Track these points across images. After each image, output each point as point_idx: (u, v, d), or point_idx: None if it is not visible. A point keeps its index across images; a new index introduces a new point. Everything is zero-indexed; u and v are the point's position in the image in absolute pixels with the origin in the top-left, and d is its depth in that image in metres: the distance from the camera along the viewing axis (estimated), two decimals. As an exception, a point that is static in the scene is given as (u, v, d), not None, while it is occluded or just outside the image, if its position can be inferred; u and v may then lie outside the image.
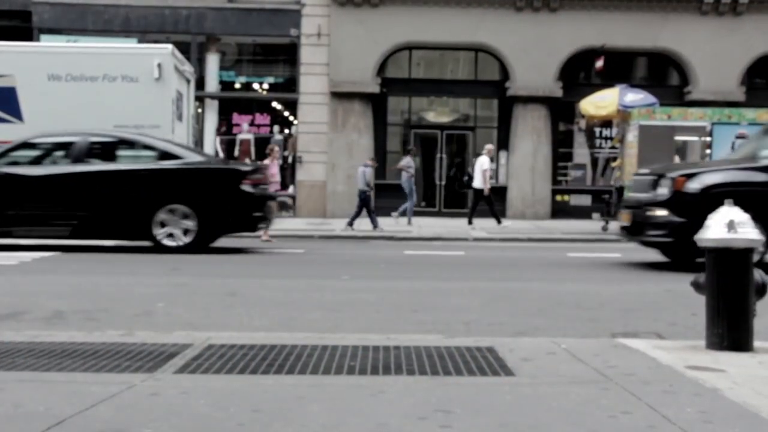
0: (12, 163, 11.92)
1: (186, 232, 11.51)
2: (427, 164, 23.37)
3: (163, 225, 11.50)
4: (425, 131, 23.84)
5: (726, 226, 4.37)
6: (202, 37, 22.70)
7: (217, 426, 2.97)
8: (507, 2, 22.28)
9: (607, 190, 19.90)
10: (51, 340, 4.61)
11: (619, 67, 22.49)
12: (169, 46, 16.14)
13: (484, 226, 18.21)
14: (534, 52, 22.09)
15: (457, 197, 23.23)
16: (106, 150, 12.31)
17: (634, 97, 18.10)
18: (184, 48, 19.28)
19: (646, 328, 5.74)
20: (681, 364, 4.04)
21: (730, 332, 4.35)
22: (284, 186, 20.63)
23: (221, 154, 23.08)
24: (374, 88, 22.40)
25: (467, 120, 24.11)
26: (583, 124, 22.91)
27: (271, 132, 23.17)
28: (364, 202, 17.49)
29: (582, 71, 23.34)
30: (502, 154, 22.88)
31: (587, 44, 22.27)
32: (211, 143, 23.08)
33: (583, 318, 6.25)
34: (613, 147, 21.34)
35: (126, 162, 12.15)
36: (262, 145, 20.73)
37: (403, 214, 19.21)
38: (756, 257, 9.40)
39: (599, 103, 18.49)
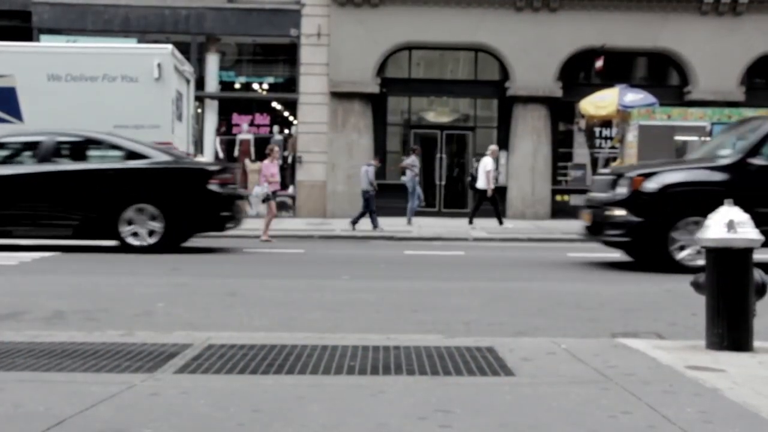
0: None
1: (152, 231, 11.53)
2: (427, 164, 23.36)
3: (129, 224, 11.51)
4: (425, 131, 23.83)
5: (726, 226, 4.37)
6: (201, 37, 22.69)
7: (217, 426, 2.97)
8: (507, 2, 22.27)
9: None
10: (51, 340, 4.61)
11: (619, 67, 22.49)
12: (169, 46, 16.14)
13: (485, 226, 18.21)
14: (534, 52, 22.09)
15: (458, 197, 23.23)
16: (73, 149, 12.36)
17: (634, 97, 18.10)
18: (183, 48, 19.28)
19: (646, 328, 5.74)
20: (681, 364, 4.05)
21: (730, 332, 4.35)
22: (284, 186, 20.62)
23: (221, 154, 23.09)
24: (374, 88, 22.40)
25: (467, 120, 24.10)
26: (583, 124, 22.91)
27: (271, 132, 23.16)
28: (367, 201, 17.51)
29: (582, 71, 23.34)
30: (502, 154, 22.85)
31: (587, 44, 22.27)
32: (211, 143, 23.08)
33: (583, 318, 6.25)
34: (613, 147, 21.34)
35: (92, 161, 12.18)
36: (262, 145, 20.72)
37: (413, 214, 19.28)
38: None
39: (599, 103, 18.49)
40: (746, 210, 10.03)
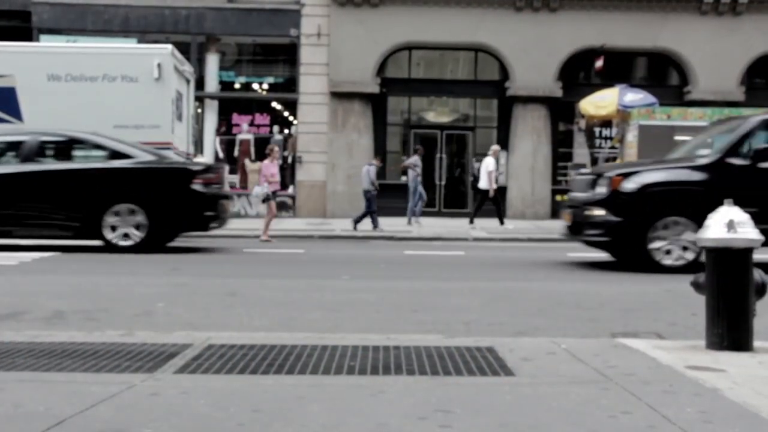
0: None
1: (136, 231, 11.53)
2: (427, 164, 23.35)
3: (113, 224, 11.52)
4: (425, 131, 23.84)
5: (726, 225, 4.37)
6: (201, 37, 22.70)
7: (217, 426, 2.97)
8: (507, 2, 22.28)
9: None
10: (51, 340, 4.61)
11: (618, 67, 22.50)
12: (169, 46, 16.15)
13: (485, 226, 18.21)
14: (534, 52, 22.09)
15: (458, 197, 23.24)
16: (57, 149, 12.38)
17: (634, 97, 18.11)
18: (183, 48, 19.28)
19: (646, 328, 5.74)
20: (681, 364, 4.04)
21: (730, 332, 4.35)
22: (284, 186, 20.62)
23: (221, 155, 23.10)
24: (374, 88, 22.40)
25: (467, 120, 24.11)
26: (582, 124, 22.92)
27: (271, 132, 23.16)
28: (368, 201, 17.53)
29: (582, 71, 23.34)
30: (502, 154, 22.86)
31: (587, 44, 22.28)
32: (211, 143, 23.09)
33: (583, 318, 6.25)
34: (612, 147, 21.35)
35: (76, 161, 12.18)
36: (262, 145, 20.73)
37: (420, 214, 19.30)
38: (691, 256, 9.54)
39: (599, 103, 18.50)
40: None
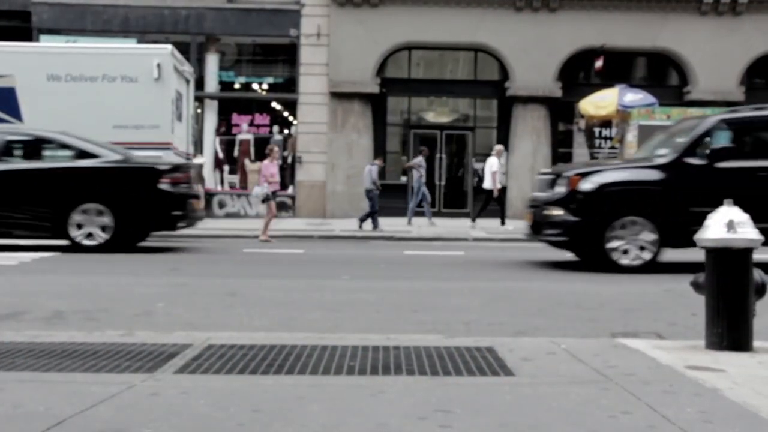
0: None
1: (103, 230, 11.51)
2: (427, 164, 23.37)
3: (79, 224, 11.50)
4: (425, 131, 23.83)
5: (725, 225, 4.37)
6: (201, 38, 22.69)
7: (217, 426, 2.97)
8: (507, 2, 22.28)
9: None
10: (51, 340, 4.61)
11: (618, 67, 22.50)
12: (169, 47, 16.15)
13: (485, 226, 18.21)
14: (534, 52, 22.09)
15: (458, 197, 23.23)
16: (24, 149, 12.33)
17: (634, 97, 18.11)
18: (183, 48, 19.29)
19: (646, 328, 5.74)
20: (681, 364, 4.05)
21: (729, 332, 4.35)
22: (284, 186, 20.62)
23: (221, 155, 23.10)
24: (374, 88, 22.40)
25: (467, 120, 24.10)
26: (582, 124, 22.91)
27: (271, 132, 23.16)
28: (371, 201, 17.56)
29: (582, 71, 23.34)
30: (502, 154, 22.88)
31: (587, 44, 22.27)
32: (211, 143, 23.09)
33: (583, 318, 6.25)
34: (612, 147, 21.33)
35: (42, 161, 12.13)
36: (262, 145, 20.72)
37: (431, 215, 19.32)
38: (648, 256, 9.55)
39: (599, 103, 18.50)
40: (682, 209, 10.23)
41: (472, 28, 22.19)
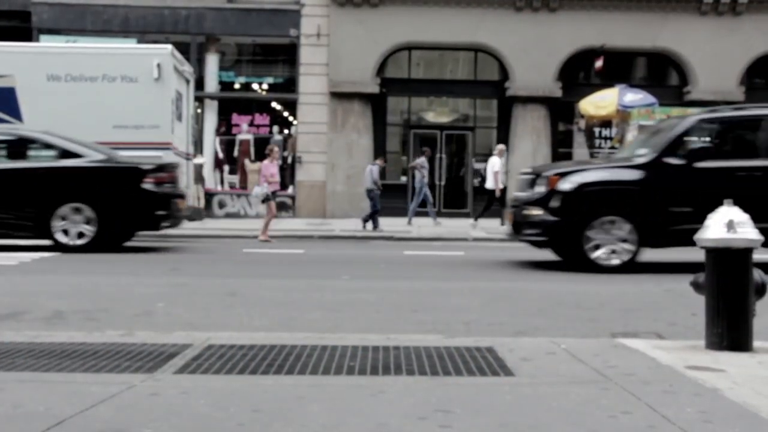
0: None
1: (86, 231, 11.51)
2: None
3: (63, 224, 11.49)
4: (425, 131, 23.84)
5: (725, 226, 4.37)
6: (201, 38, 22.70)
7: (217, 426, 2.97)
8: (507, 2, 22.28)
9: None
10: (51, 340, 4.61)
11: (618, 67, 22.51)
12: (169, 47, 16.15)
13: (485, 226, 18.21)
14: (534, 52, 22.09)
15: (458, 197, 23.23)
16: (7, 148, 12.31)
17: (634, 97, 18.12)
18: (183, 48, 19.29)
19: (646, 328, 5.74)
20: (681, 364, 4.05)
21: (729, 332, 4.35)
22: (284, 186, 20.63)
23: (221, 155, 23.10)
24: (374, 88, 22.40)
25: (467, 120, 24.11)
26: (582, 124, 22.90)
27: (271, 132, 23.16)
28: (372, 200, 17.57)
29: (581, 71, 23.35)
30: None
31: (587, 44, 22.28)
32: (211, 143, 23.09)
33: (583, 318, 6.25)
34: (612, 147, 21.31)
35: (26, 160, 12.11)
36: (262, 145, 20.73)
37: (435, 215, 19.33)
38: (627, 256, 9.56)
39: (599, 103, 18.51)
40: (661, 209, 10.25)
41: (472, 28, 22.20)
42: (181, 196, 12.90)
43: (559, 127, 23.52)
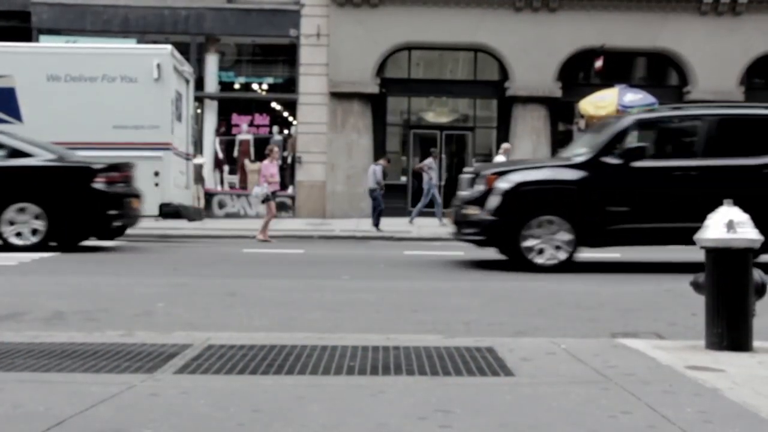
0: None
1: (35, 231, 11.44)
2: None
3: (11, 224, 11.44)
4: (424, 131, 23.84)
5: (725, 226, 4.36)
6: (201, 38, 22.70)
7: (217, 426, 2.97)
8: (506, 2, 22.29)
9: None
10: (51, 340, 4.60)
11: (618, 67, 22.51)
12: (168, 47, 16.16)
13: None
14: (533, 52, 22.10)
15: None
16: None
17: (634, 97, 18.11)
18: (183, 48, 19.29)
19: (646, 328, 5.74)
20: (681, 364, 4.04)
21: (729, 332, 4.35)
22: (284, 186, 20.63)
23: (221, 155, 23.11)
24: (373, 88, 22.40)
25: (466, 120, 24.11)
26: (582, 124, 22.87)
27: (271, 132, 23.17)
28: (375, 200, 17.59)
29: (581, 71, 23.35)
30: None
31: (587, 44, 22.29)
32: (211, 144, 23.10)
33: (583, 318, 6.25)
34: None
35: None
36: (262, 145, 20.74)
37: (441, 216, 19.33)
38: (564, 255, 9.56)
39: (599, 103, 18.50)
40: (598, 209, 10.30)
41: (472, 28, 22.20)
42: (136, 196, 12.75)
43: (559, 127, 23.52)
